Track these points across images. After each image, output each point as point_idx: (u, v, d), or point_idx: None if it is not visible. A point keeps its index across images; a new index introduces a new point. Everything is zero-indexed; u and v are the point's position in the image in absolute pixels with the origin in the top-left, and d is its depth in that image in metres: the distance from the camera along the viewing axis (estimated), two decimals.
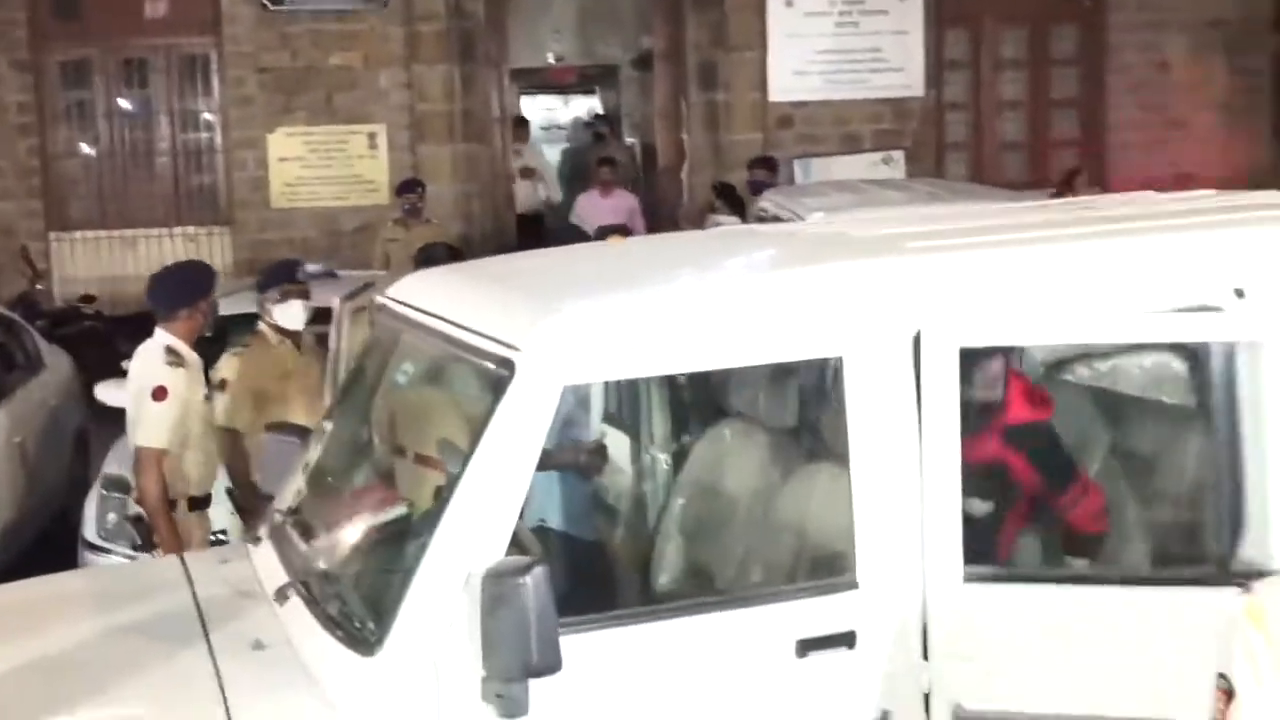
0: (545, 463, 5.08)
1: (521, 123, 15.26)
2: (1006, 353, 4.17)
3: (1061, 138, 14.15)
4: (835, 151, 13.34)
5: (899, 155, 13.43)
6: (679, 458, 5.03)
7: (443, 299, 4.20)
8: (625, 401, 5.33)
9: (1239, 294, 3.96)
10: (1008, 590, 3.79)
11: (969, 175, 13.64)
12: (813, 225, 5.06)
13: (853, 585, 3.76)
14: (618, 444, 5.27)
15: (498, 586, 3.30)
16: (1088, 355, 4.77)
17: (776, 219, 9.42)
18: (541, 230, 13.18)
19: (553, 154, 17.40)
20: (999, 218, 4.75)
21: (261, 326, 6.63)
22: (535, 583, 3.28)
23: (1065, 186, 11.41)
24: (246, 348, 6.58)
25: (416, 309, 4.24)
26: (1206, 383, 4.04)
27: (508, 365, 3.58)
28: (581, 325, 3.66)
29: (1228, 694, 2.31)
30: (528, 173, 13.65)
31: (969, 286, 3.88)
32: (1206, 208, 4.72)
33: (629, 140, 16.63)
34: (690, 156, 13.37)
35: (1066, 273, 3.96)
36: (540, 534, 5.19)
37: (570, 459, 5.28)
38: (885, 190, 9.93)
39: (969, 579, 3.77)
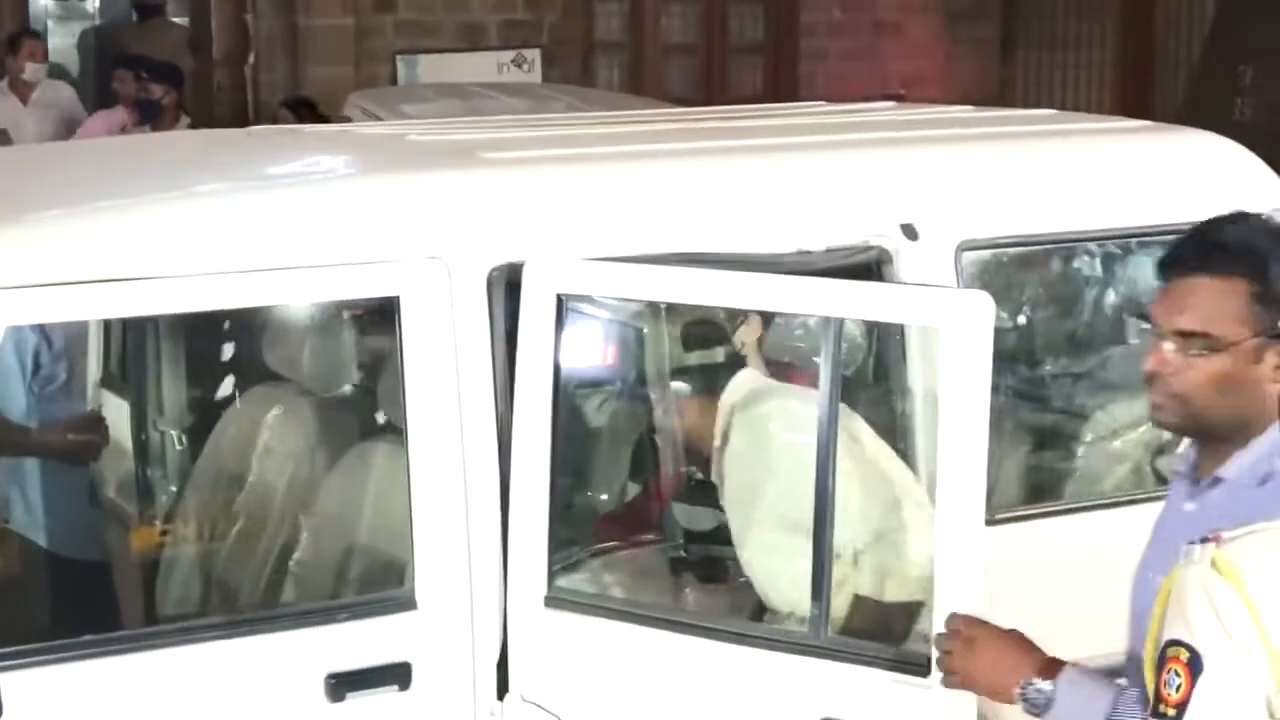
0: (13, 442, 4.99)
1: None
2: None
3: (743, 42, 14.41)
4: (451, 47, 13.29)
5: (534, 56, 13.46)
6: (196, 435, 4.94)
7: None
8: (130, 358, 5.21)
9: (909, 233, 4.09)
10: (594, 624, 3.80)
11: (625, 85, 13.77)
12: (370, 128, 5.05)
13: (409, 604, 3.74)
14: (119, 416, 5.16)
15: None
16: None
17: None
18: None
19: (73, 39, 16.78)
20: (614, 125, 4.80)
21: None
22: None
23: None
24: None
25: None
26: (885, 352, 4.15)
27: None
28: (33, 247, 3.54)
29: (1190, 664, 2.47)
30: None
31: (560, 210, 3.90)
32: (879, 122, 4.87)
33: (176, 20, 16.15)
34: (257, 46, 13.15)
35: (693, 198, 4.02)
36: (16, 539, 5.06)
37: (48, 438, 5.14)
38: (506, 98, 9.97)
39: (552, 603, 3.79)
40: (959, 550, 3.36)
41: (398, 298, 3.72)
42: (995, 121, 4.90)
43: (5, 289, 3.42)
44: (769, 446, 4.03)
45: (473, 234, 3.80)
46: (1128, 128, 4.86)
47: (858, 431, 3.94)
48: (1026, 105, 13.79)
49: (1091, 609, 4.07)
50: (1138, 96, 13.50)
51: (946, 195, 4.19)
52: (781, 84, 14.11)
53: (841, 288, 3.63)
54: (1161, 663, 2.55)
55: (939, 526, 3.40)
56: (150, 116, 10.72)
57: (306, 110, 11.14)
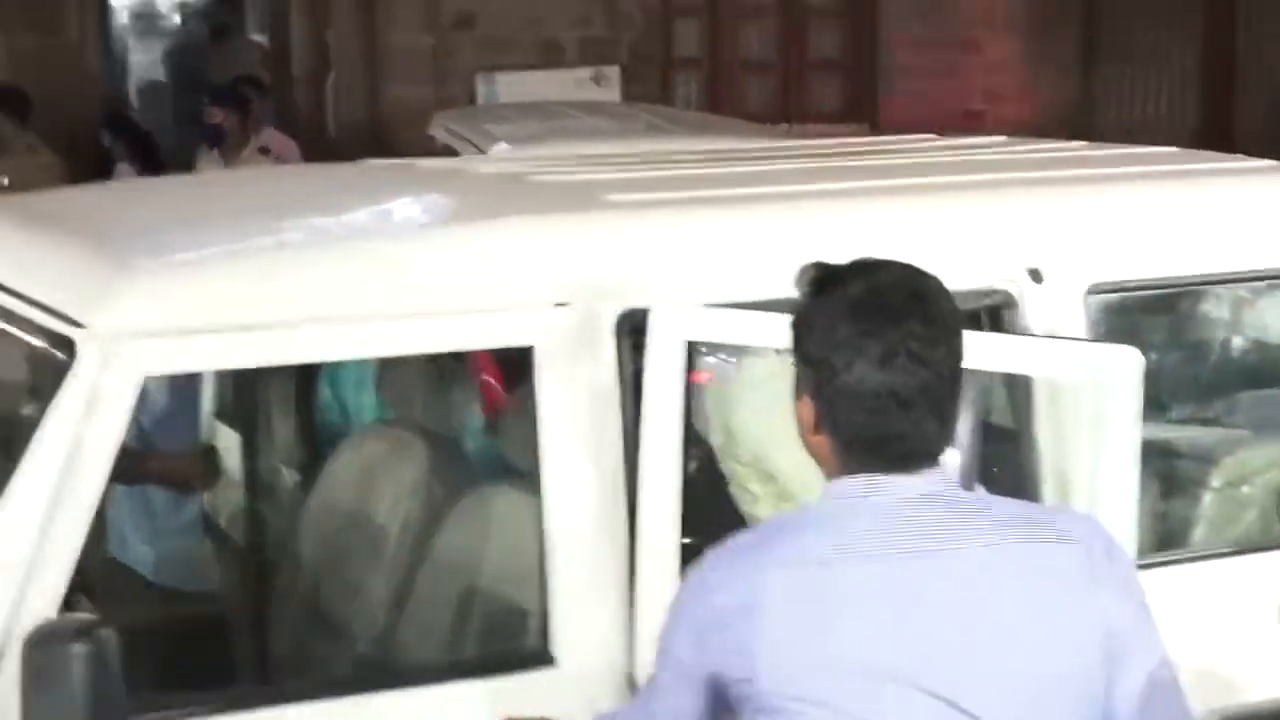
0: (130, 473, 4.98)
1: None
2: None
3: (821, 58, 14.38)
4: (530, 65, 13.33)
5: (613, 73, 13.49)
6: (308, 473, 4.93)
7: None
8: (243, 393, 5.20)
9: (1035, 277, 4.06)
10: None
11: (702, 102, 13.78)
12: (483, 163, 5.02)
13: (546, 660, 3.66)
14: (233, 451, 5.15)
15: (42, 657, 3.10)
16: None
17: (448, 150, 9.37)
18: None
19: (150, 56, 16.88)
20: (730, 164, 4.77)
21: None
22: (92, 654, 3.07)
23: None
24: None
25: None
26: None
27: (65, 346, 3.42)
28: (174, 292, 3.52)
29: None
30: None
31: (689, 255, 3.85)
32: (1000, 160, 4.83)
33: (256, 38, 16.23)
34: (337, 64, 13.19)
35: (818, 242, 3.95)
36: (121, 575, 5.04)
37: (165, 469, 5.13)
38: (591, 118, 9.98)
39: None
40: None
41: (531, 347, 3.68)
42: (1118, 160, 4.84)
43: (141, 337, 3.39)
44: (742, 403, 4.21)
45: (596, 281, 3.75)
46: (1254, 168, 4.79)
47: None
48: (1107, 120, 13.74)
49: (1219, 657, 4.05)
50: (1220, 110, 13.42)
51: (1074, 238, 4.15)
52: (862, 101, 14.09)
53: (980, 340, 3.58)
54: None
55: None
56: (215, 141, 10.75)
57: (123, 126, 11.00)
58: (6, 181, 9.60)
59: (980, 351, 3.53)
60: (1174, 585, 4.03)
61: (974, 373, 3.60)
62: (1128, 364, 3.35)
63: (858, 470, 2.77)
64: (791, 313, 2.88)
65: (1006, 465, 4.02)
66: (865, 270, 2.83)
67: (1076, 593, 2.72)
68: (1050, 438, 3.92)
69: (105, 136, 11.19)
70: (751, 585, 2.77)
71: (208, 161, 10.61)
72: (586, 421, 3.71)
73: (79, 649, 3.07)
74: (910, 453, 2.76)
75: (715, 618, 2.79)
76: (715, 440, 4.28)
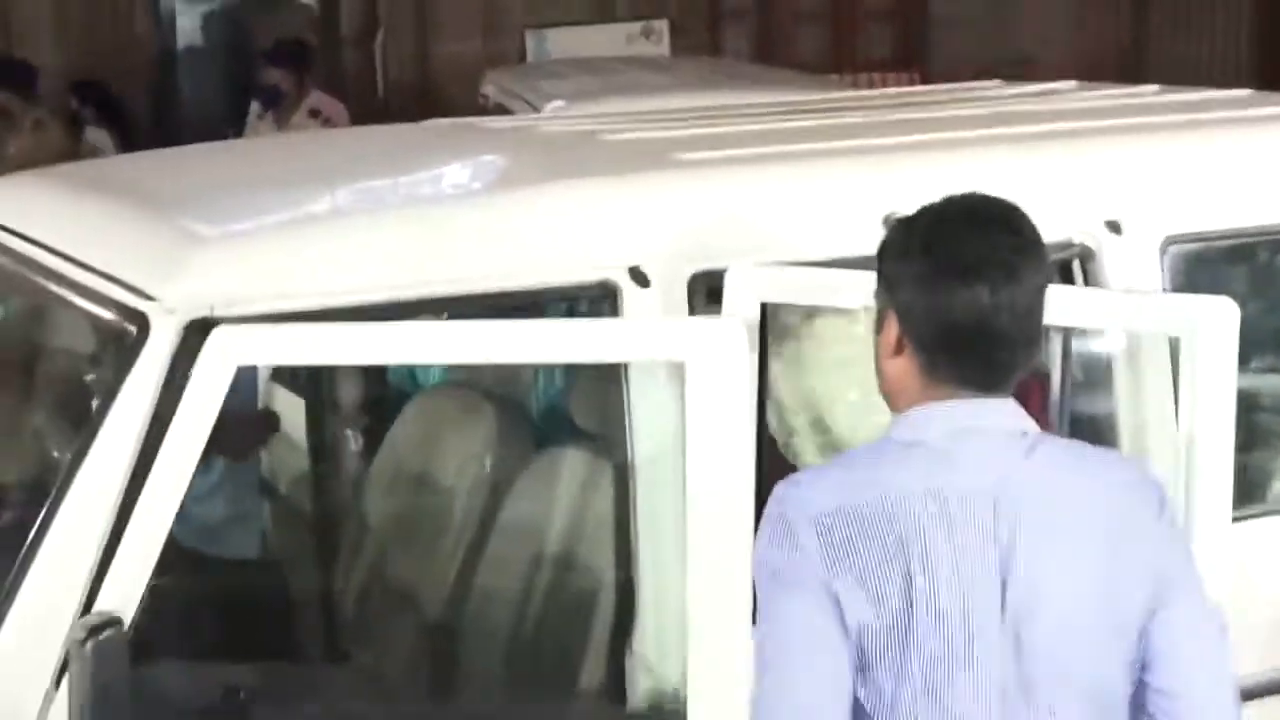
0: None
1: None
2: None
3: (873, 7, 14.31)
4: (580, 20, 13.31)
5: (662, 26, 13.46)
6: (371, 434, 4.87)
7: (38, 216, 3.95)
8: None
9: (1113, 228, 3.99)
10: None
11: (753, 54, 13.72)
12: (550, 122, 4.94)
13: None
14: (293, 415, 5.05)
15: (67, 652, 3.01)
16: None
17: (501, 108, 9.33)
18: None
19: (194, 21, 16.83)
20: (798, 118, 4.70)
21: None
22: (98, 654, 2.95)
23: None
24: None
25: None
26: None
27: (136, 319, 3.27)
28: (272, 267, 3.39)
29: None
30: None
31: (760, 215, 3.76)
32: (1070, 109, 4.76)
33: (304, 1, 16.15)
34: (386, 23, 13.16)
35: (894, 196, 3.89)
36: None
37: (226, 437, 5.06)
38: (643, 73, 9.94)
39: None
40: (1209, 559, 3.23)
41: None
42: (1193, 106, 4.76)
43: (233, 321, 3.18)
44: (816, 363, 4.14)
45: (670, 240, 3.62)
46: None
47: None
48: (1159, 60, 13.63)
49: None
50: (1275, 47, 13.32)
51: (1152, 188, 4.08)
52: (912, 49, 14.03)
53: (1071, 294, 3.52)
54: None
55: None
56: (270, 103, 10.62)
57: (96, 96, 10.85)
58: (14, 150, 9.55)
59: (1071, 306, 3.48)
60: (1252, 540, 3.98)
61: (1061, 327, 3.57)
62: (1224, 317, 3.31)
63: (934, 393, 2.74)
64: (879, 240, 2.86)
65: (1083, 419, 3.98)
66: (952, 199, 2.84)
67: (1139, 533, 2.74)
68: (1129, 393, 3.87)
69: (73, 101, 11.03)
70: (823, 513, 2.71)
71: (260, 124, 10.52)
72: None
73: (86, 649, 2.96)
74: (993, 367, 2.74)
75: (801, 550, 2.71)
76: (785, 401, 4.21)
